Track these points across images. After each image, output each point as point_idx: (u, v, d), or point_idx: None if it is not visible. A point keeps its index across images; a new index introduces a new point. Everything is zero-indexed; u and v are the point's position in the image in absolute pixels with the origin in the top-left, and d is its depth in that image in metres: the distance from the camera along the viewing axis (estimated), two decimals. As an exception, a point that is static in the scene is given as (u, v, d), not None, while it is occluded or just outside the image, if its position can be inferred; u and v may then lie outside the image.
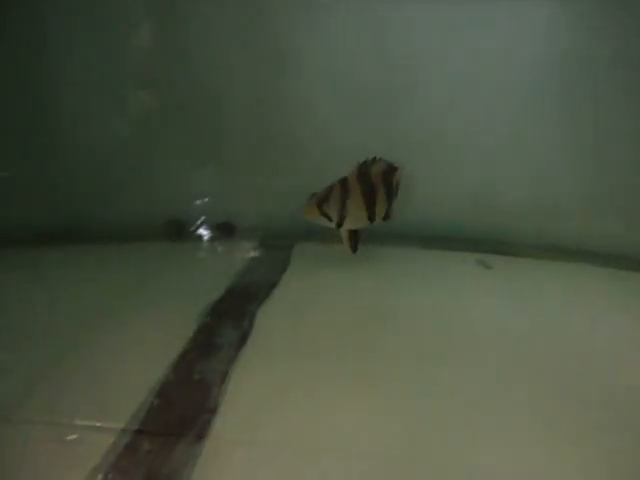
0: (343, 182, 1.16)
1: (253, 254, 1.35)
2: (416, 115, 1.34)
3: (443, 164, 1.35)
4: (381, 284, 1.21)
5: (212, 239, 1.43)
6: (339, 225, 1.18)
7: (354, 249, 1.24)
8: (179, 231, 1.42)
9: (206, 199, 1.47)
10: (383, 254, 1.35)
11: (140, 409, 0.78)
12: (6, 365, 0.89)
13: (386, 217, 1.22)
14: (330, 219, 1.17)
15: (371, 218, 1.19)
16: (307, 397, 0.82)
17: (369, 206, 1.17)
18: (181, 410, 0.78)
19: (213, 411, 0.78)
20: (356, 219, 1.18)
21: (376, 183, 1.18)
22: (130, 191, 1.43)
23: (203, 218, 1.46)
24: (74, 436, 0.74)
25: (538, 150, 1.33)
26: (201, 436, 0.73)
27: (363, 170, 1.17)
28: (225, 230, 1.44)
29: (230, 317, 1.03)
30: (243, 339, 0.96)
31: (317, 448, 0.73)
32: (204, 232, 1.45)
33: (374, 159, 1.17)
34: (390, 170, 1.20)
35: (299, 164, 1.42)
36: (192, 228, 1.45)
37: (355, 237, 1.23)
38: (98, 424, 0.76)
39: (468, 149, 1.34)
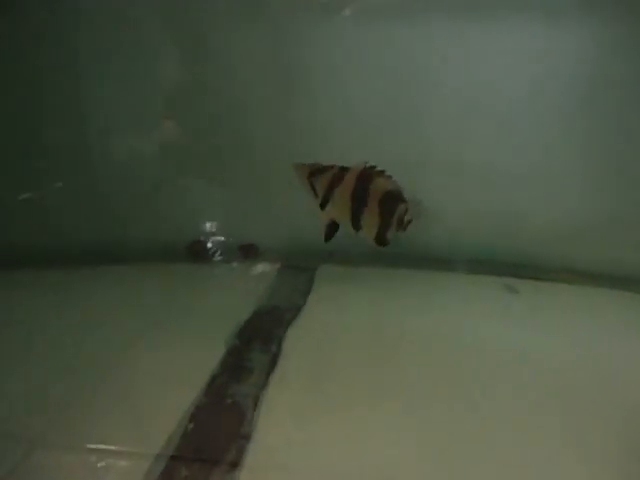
0: (342, 169, 1.11)
1: (277, 275, 1.35)
2: (440, 137, 1.34)
3: (470, 187, 1.34)
4: (406, 307, 1.20)
5: (235, 260, 1.43)
6: (322, 206, 1.14)
7: (326, 239, 1.17)
8: (203, 252, 1.43)
9: (229, 220, 1.48)
10: (407, 276, 1.35)
11: (174, 434, 0.77)
12: (38, 390, 0.89)
13: (380, 242, 1.11)
14: (315, 194, 1.14)
15: (355, 226, 1.12)
16: (339, 421, 0.82)
17: (354, 212, 1.10)
18: (215, 436, 0.78)
19: (247, 437, 0.77)
20: (338, 212, 1.12)
21: (371, 199, 1.07)
22: (155, 213, 1.44)
23: (227, 239, 1.47)
24: (108, 462, 0.73)
25: (565, 174, 1.32)
26: (236, 463, 0.73)
27: (366, 174, 1.09)
28: (248, 251, 1.44)
29: (258, 340, 1.03)
30: (273, 363, 0.96)
31: (351, 472, 0.72)
32: (227, 253, 1.45)
33: (381, 172, 1.09)
34: (394, 198, 1.07)
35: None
36: (216, 249, 1.45)
37: (333, 230, 1.16)
38: (132, 450, 0.76)
39: (495, 172, 1.34)
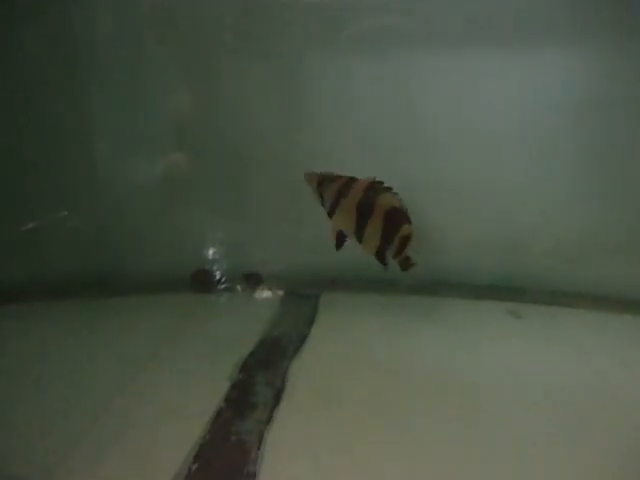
0: (351, 180, 1.11)
1: (280, 304, 1.35)
2: (442, 163, 1.35)
3: (470, 213, 1.35)
4: (409, 335, 1.19)
5: (239, 289, 1.43)
6: (329, 215, 1.15)
7: (336, 248, 1.16)
8: (206, 282, 1.43)
9: (232, 249, 1.48)
10: (409, 303, 1.34)
11: (178, 475, 0.77)
12: (39, 426, 0.89)
13: (379, 259, 1.10)
14: (322, 202, 1.15)
15: (359, 238, 1.11)
16: (346, 458, 0.81)
17: (358, 224, 1.09)
18: (221, 474, 0.77)
19: (252, 476, 0.77)
20: (344, 222, 1.12)
21: (375, 213, 1.06)
22: (157, 242, 1.45)
23: (230, 268, 1.47)
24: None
25: (566, 197, 1.33)
26: (242, 503, 0.72)
27: (373, 187, 1.09)
28: (252, 280, 1.44)
29: (262, 373, 1.02)
30: (277, 397, 0.95)
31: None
32: (231, 282, 1.45)
33: (389, 188, 1.09)
34: (398, 216, 1.06)
35: (322, 213, 1.43)
36: (219, 278, 1.45)
37: (341, 239, 1.16)
38: (137, 490, 0.75)
39: (495, 197, 1.35)
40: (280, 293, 1.41)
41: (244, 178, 1.44)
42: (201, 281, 1.42)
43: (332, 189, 1.12)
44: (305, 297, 1.38)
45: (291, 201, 1.44)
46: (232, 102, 1.38)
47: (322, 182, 1.15)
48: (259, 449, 0.82)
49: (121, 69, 1.34)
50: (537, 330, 1.22)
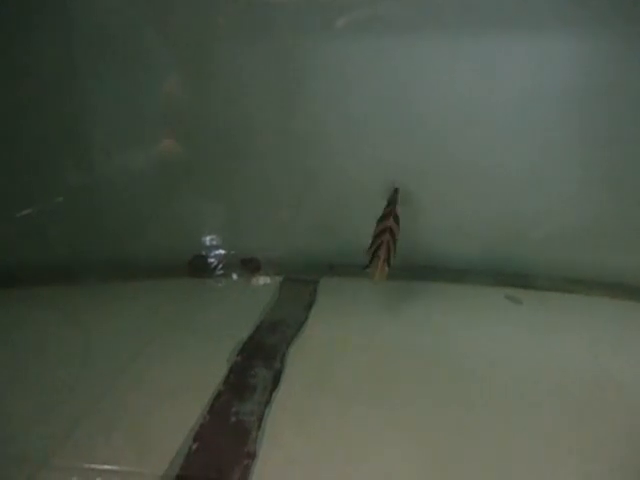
0: (389, 232, 1.08)
1: (279, 289, 1.35)
2: (439, 147, 1.34)
3: (470, 198, 1.34)
4: (408, 319, 1.19)
5: (237, 275, 1.43)
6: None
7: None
8: (204, 267, 1.42)
9: (231, 235, 1.48)
10: (409, 289, 1.34)
11: (178, 454, 0.77)
12: (40, 410, 0.88)
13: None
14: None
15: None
16: (344, 438, 0.81)
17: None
18: (220, 455, 0.77)
19: (252, 456, 0.77)
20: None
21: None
22: (155, 228, 1.44)
23: (228, 254, 1.47)
24: (112, 483, 0.73)
25: (567, 183, 1.32)
26: (242, 483, 0.72)
27: (395, 209, 1.12)
28: (250, 265, 1.44)
29: (261, 356, 1.02)
30: (276, 379, 0.95)
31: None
32: (229, 268, 1.45)
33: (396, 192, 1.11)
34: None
35: (319, 198, 1.43)
36: (217, 264, 1.45)
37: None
38: (136, 470, 0.75)
39: (497, 181, 1.34)
40: (278, 279, 1.40)
41: (242, 164, 1.43)
42: (199, 267, 1.42)
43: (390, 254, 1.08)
44: (303, 282, 1.38)
45: (289, 187, 1.44)
46: (228, 87, 1.37)
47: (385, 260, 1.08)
48: (259, 429, 0.82)
49: (115, 55, 1.32)
50: (536, 315, 1.22)
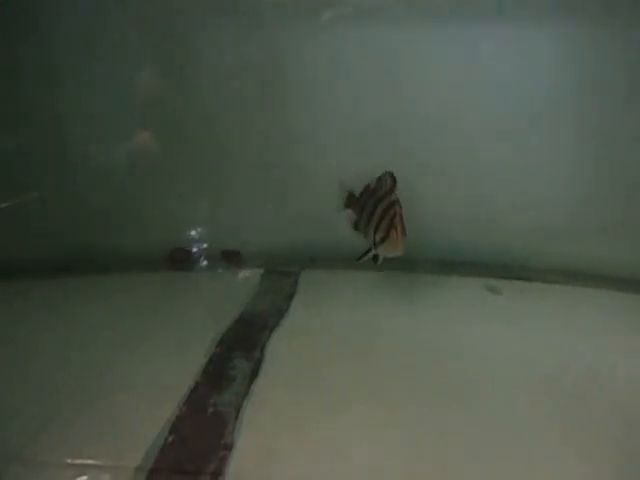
0: (397, 204, 1.04)
1: (260, 281, 1.34)
2: (422, 141, 1.34)
3: (451, 188, 1.34)
4: (390, 310, 1.19)
5: (218, 267, 1.42)
6: None
7: None
8: (185, 260, 1.41)
9: (212, 227, 1.47)
10: (390, 279, 1.34)
11: (154, 446, 0.76)
12: (16, 404, 0.87)
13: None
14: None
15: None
16: (323, 429, 0.81)
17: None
18: (196, 446, 0.76)
19: (229, 447, 0.76)
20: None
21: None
22: (136, 221, 1.43)
23: (209, 246, 1.45)
24: (87, 477, 0.72)
25: (548, 172, 1.33)
26: (218, 473, 0.72)
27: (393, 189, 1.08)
28: (231, 257, 1.43)
29: (241, 347, 1.01)
30: (255, 370, 0.94)
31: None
32: (209, 260, 1.43)
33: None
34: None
35: (302, 191, 1.42)
36: (198, 256, 1.43)
37: None
38: (111, 464, 0.74)
39: (477, 173, 1.34)
40: (260, 271, 1.39)
41: (224, 156, 1.42)
42: (179, 259, 1.40)
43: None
44: (285, 274, 1.37)
45: (272, 179, 1.43)
46: (211, 79, 1.36)
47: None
48: (236, 421, 0.81)
49: (93, 46, 1.30)
50: (515, 306, 1.23)
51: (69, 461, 0.75)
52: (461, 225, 1.38)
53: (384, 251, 1.04)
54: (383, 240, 1.00)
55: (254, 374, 0.93)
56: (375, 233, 1.02)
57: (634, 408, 0.89)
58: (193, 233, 1.47)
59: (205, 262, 1.43)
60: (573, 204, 1.34)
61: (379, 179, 1.11)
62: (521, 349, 1.05)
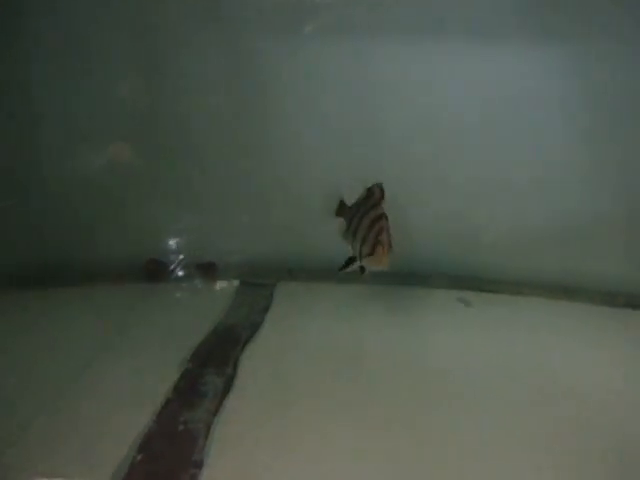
0: (385, 218, 1.05)
1: (235, 294, 1.34)
2: (395, 149, 1.36)
3: (423, 200, 1.36)
4: (362, 323, 1.20)
5: (193, 279, 1.41)
6: None
7: None
8: (159, 271, 1.40)
9: (186, 238, 1.46)
10: (364, 292, 1.35)
11: (123, 464, 0.76)
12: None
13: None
14: None
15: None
16: (295, 446, 0.81)
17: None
18: (166, 464, 0.76)
19: (199, 465, 0.76)
20: None
21: None
22: (108, 232, 1.41)
23: (183, 258, 1.45)
24: (53, 495, 0.72)
25: (518, 185, 1.35)
26: (187, 492, 0.72)
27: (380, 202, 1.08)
28: (206, 269, 1.43)
29: (214, 362, 1.01)
30: (227, 386, 0.94)
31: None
32: (185, 272, 1.43)
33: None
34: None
35: (279, 203, 1.43)
36: (173, 268, 1.43)
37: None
38: (79, 481, 0.74)
39: (449, 185, 1.36)
40: (235, 283, 1.39)
41: (200, 167, 1.42)
42: (153, 271, 1.39)
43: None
44: (261, 286, 1.38)
45: (248, 191, 1.43)
46: (188, 88, 1.35)
47: None
48: (207, 438, 0.81)
49: (67, 52, 1.29)
50: (486, 317, 1.26)
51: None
52: (435, 238, 1.40)
53: (369, 265, 1.05)
54: (369, 254, 1.01)
55: (226, 389, 0.93)
56: (362, 246, 1.03)
57: (593, 412, 0.92)
58: (168, 245, 1.46)
59: (180, 273, 1.42)
60: (539, 219, 1.37)
61: (368, 190, 1.12)
62: (494, 357, 1.08)
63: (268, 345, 1.10)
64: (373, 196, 1.09)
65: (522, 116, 1.31)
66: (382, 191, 1.09)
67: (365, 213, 1.07)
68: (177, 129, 1.38)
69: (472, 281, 1.39)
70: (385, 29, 1.29)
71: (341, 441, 0.83)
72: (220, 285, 1.40)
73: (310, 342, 1.11)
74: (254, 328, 1.16)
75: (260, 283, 1.39)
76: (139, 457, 0.77)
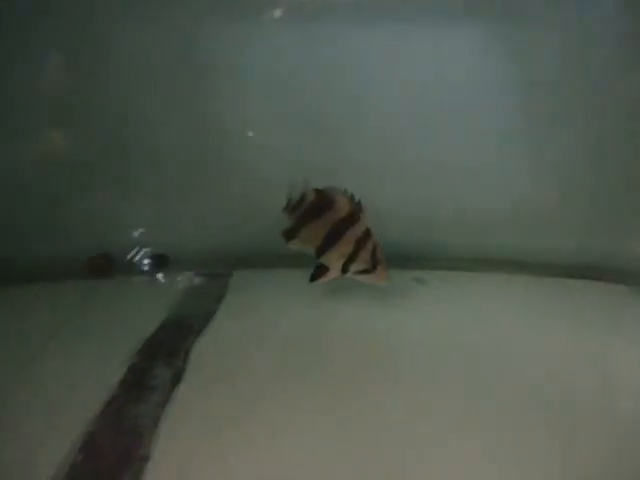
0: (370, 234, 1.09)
1: (188, 285, 1.31)
2: (355, 133, 1.36)
3: (377, 182, 1.35)
4: (317, 309, 1.19)
5: (145, 272, 1.38)
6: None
7: None
8: (104, 267, 1.35)
9: (138, 230, 1.42)
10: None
11: (65, 462, 0.73)
12: None
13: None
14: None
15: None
16: (245, 439, 0.79)
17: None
18: (110, 460, 0.74)
19: (145, 459, 0.74)
20: None
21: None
22: (55, 227, 1.37)
23: (135, 250, 1.41)
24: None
25: (470, 163, 1.36)
26: (132, 487, 0.70)
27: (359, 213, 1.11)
28: (158, 261, 1.39)
29: (163, 355, 0.99)
30: (177, 378, 0.92)
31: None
32: (136, 265, 1.39)
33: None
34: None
35: (234, 191, 1.41)
36: (124, 261, 1.39)
37: None
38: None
39: (403, 165, 1.36)
40: (189, 274, 1.36)
41: (150, 158, 1.38)
42: (100, 266, 1.35)
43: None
44: (214, 276, 1.35)
45: (201, 181, 1.40)
46: (138, 77, 1.31)
47: None
48: (154, 432, 0.79)
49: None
50: (440, 295, 1.27)
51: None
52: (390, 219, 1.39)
53: (366, 281, 1.10)
54: (367, 271, 1.07)
55: (175, 382, 0.91)
56: (350, 263, 1.07)
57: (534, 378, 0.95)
58: (120, 237, 1.42)
59: (130, 267, 1.39)
60: (490, 195, 1.39)
61: (318, 192, 1.11)
62: (444, 333, 1.09)
63: (220, 335, 1.08)
64: (307, 199, 1.11)
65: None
66: (358, 203, 1.10)
67: (343, 224, 1.07)
68: (121, 118, 1.33)
69: (426, 261, 1.39)
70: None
71: (293, 432, 0.81)
72: (172, 277, 1.37)
73: (263, 331, 1.10)
74: (207, 318, 1.13)
75: (215, 273, 1.37)
76: (81, 455, 0.74)
